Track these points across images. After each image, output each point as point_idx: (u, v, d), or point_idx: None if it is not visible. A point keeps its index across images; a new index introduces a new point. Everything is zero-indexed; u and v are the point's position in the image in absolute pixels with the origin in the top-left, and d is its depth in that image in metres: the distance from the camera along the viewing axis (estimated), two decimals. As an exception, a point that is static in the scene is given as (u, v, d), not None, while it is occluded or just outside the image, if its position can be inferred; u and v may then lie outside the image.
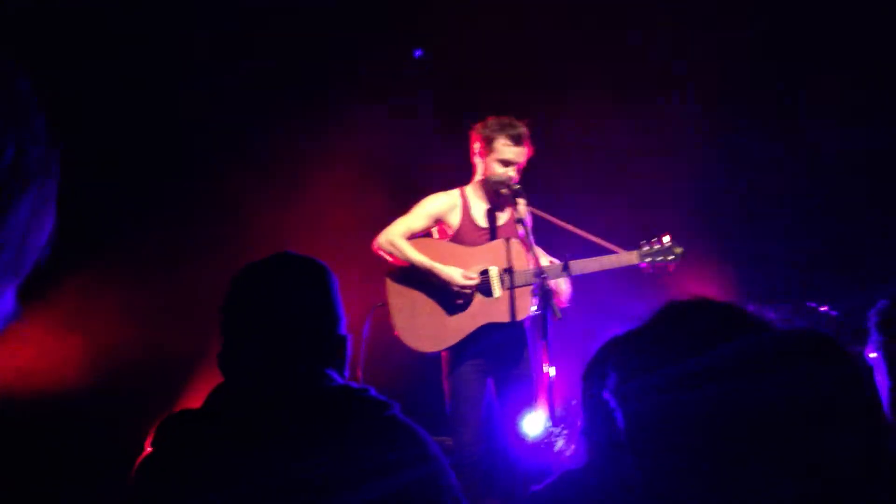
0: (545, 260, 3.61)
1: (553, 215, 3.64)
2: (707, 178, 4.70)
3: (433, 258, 3.56)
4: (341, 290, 1.59)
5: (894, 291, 1.82)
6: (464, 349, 3.54)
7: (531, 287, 3.50)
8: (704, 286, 4.22)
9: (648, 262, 3.53)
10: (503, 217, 3.74)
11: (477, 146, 3.67)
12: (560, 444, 3.01)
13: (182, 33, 4.36)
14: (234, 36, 4.46)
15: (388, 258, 3.62)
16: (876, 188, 4.52)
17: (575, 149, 4.66)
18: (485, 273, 3.59)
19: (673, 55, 4.65)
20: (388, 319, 3.61)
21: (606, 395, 0.95)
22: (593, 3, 4.73)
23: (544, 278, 3.14)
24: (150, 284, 4.27)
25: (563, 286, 3.62)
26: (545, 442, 3.16)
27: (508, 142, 3.57)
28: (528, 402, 3.56)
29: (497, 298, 3.56)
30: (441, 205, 3.69)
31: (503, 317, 3.53)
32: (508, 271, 3.56)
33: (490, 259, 3.61)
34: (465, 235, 3.67)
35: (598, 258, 3.54)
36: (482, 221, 3.71)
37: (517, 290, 3.53)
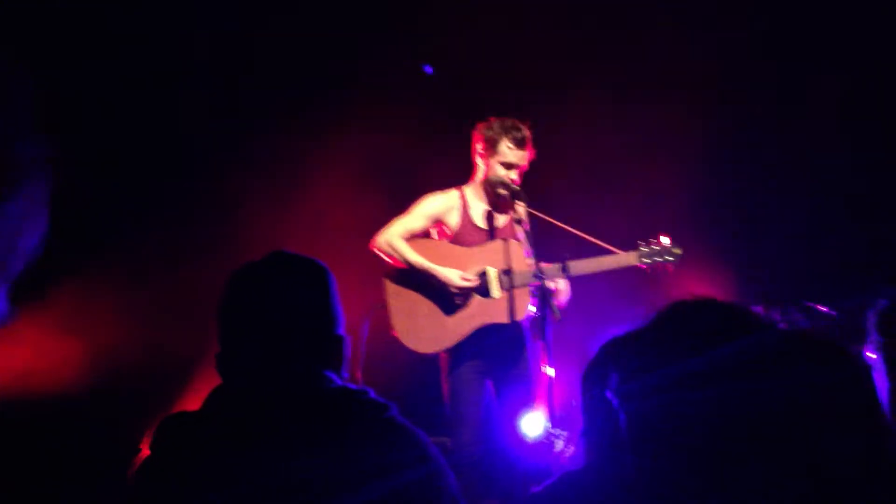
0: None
1: (552, 216, 3.64)
2: (707, 178, 4.70)
3: (431, 259, 3.56)
4: (340, 291, 1.58)
5: (894, 292, 1.82)
6: (463, 350, 3.54)
7: (530, 288, 3.50)
8: (703, 287, 4.21)
9: (647, 263, 3.53)
10: (502, 218, 3.74)
11: (479, 146, 3.65)
12: (559, 444, 3.01)
13: (182, 33, 4.36)
14: (234, 36, 4.46)
15: (387, 259, 3.62)
16: (876, 188, 4.52)
17: (574, 149, 4.66)
18: (483, 274, 3.59)
19: (673, 55, 4.65)
20: (387, 320, 3.61)
21: (609, 394, 0.95)
22: (593, 3, 4.73)
23: (543, 279, 3.14)
24: (149, 284, 4.26)
25: (561, 287, 3.61)
26: (544, 442, 3.16)
27: (512, 145, 3.56)
28: (527, 403, 3.57)
29: (496, 299, 3.56)
30: (440, 205, 3.68)
31: (502, 317, 3.52)
32: (507, 272, 3.55)
33: (489, 260, 3.60)
34: (464, 236, 3.67)
35: (597, 259, 3.54)
36: (481, 222, 3.71)
37: (516, 291, 3.53)
